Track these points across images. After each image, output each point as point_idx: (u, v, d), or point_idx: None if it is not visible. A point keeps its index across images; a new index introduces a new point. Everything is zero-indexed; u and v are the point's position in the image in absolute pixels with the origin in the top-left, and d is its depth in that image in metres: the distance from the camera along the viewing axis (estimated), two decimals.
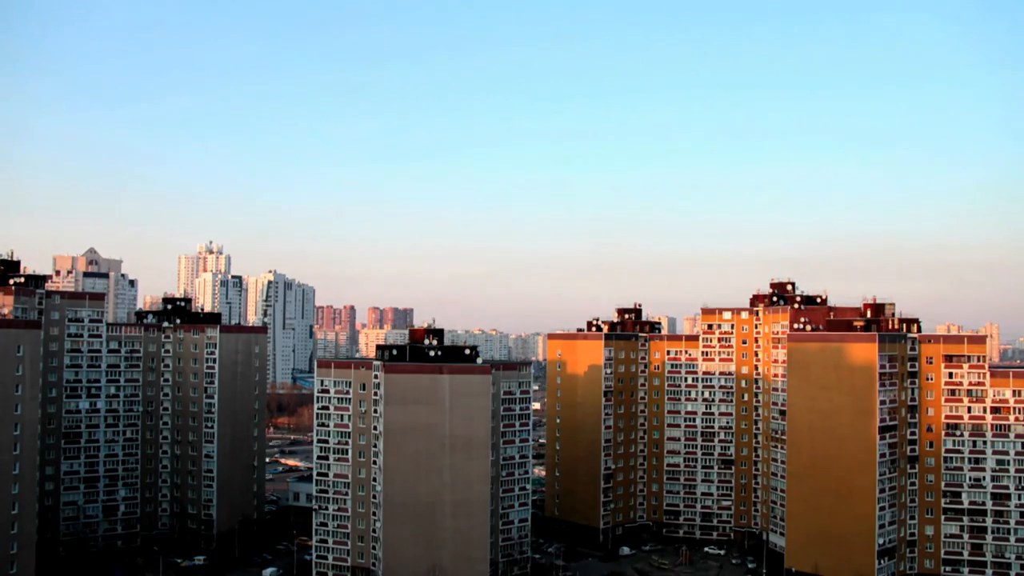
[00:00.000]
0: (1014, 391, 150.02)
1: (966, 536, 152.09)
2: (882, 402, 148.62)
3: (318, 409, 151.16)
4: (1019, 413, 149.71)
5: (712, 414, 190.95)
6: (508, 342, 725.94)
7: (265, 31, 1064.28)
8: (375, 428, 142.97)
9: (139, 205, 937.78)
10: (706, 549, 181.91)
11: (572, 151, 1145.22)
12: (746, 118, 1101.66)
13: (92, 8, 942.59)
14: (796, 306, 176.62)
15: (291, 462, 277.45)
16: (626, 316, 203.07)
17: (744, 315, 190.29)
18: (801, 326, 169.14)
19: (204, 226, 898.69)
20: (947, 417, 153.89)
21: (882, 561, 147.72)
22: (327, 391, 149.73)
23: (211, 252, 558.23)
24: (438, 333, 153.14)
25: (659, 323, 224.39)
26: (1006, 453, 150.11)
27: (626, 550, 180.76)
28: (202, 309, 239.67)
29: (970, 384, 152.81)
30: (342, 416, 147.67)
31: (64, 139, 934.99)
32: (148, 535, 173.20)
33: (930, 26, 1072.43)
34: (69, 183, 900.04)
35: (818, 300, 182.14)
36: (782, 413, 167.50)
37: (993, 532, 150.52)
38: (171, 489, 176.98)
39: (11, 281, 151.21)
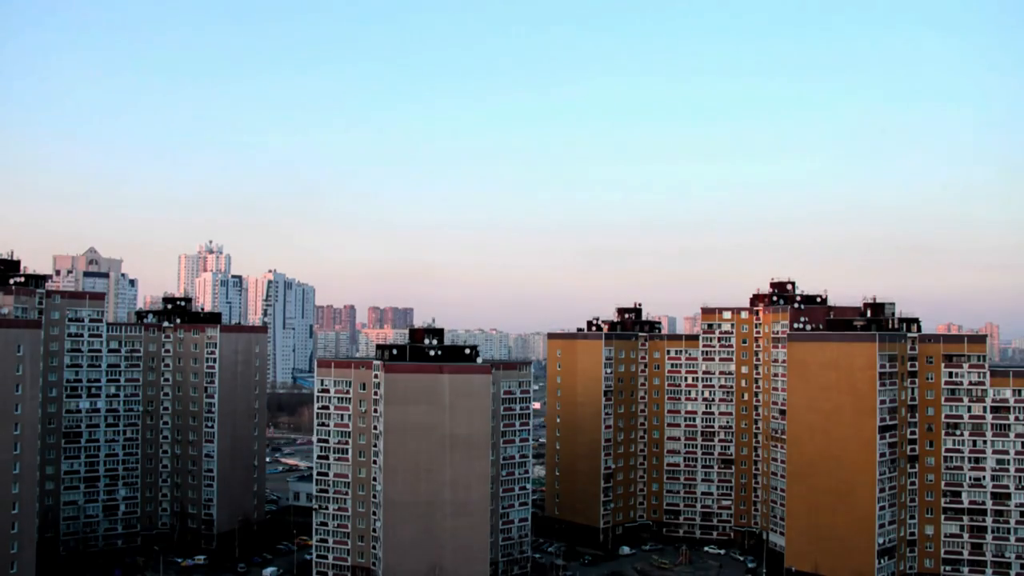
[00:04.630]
0: (1014, 391, 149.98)
1: (966, 536, 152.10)
2: (882, 402, 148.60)
3: (318, 409, 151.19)
4: (1019, 413, 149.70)
5: (712, 414, 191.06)
6: (508, 342, 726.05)
7: (263, 28, 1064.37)
8: (375, 428, 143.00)
9: (139, 205, 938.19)
10: (706, 549, 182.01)
11: (571, 151, 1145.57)
12: (745, 114, 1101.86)
13: (90, 9, 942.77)
14: (796, 305, 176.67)
15: (291, 462, 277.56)
16: (626, 316, 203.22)
17: (744, 315, 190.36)
18: (801, 326, 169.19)
19: (204, 226, 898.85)
20: (947, 417, 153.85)
21: (882, 560, 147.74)
22: (327, 391, 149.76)
23: (211, 252, 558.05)
24: (438, 333, 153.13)
25: (659, 323, 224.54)
26: (1006, 453, 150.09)
27: (626, 550, 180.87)
28: (202, 309, 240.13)
29: (970, 384, 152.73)
30: (342, 416, 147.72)
31: (64, 139, 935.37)
32: (148, 535, 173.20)
33: (932, 20, 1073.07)
34: (69, 183, 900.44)
35: (818, 299, 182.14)
36: (782, 413, 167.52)
37: (993, 532, 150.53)
38: (171, 489, 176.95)
39: (11, 281, 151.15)
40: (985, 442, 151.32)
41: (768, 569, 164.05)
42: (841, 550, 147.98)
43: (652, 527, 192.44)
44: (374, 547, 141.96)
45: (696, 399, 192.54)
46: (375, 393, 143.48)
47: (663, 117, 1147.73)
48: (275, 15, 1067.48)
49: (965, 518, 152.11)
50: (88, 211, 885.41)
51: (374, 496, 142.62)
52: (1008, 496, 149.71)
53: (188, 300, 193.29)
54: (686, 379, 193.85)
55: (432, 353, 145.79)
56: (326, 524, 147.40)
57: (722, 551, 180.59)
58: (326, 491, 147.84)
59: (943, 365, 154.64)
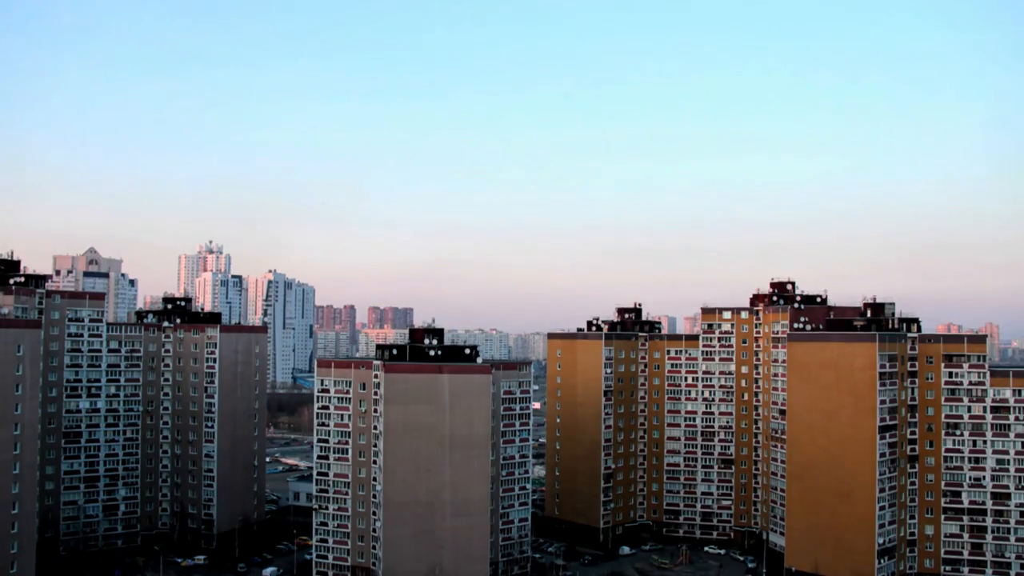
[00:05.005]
0: (1014, 391, 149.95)
1: (966, 536, 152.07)
2: (882, 402, 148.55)
3: (318, 409, 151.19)
4: (1019, 413, 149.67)
5: (712, 414, 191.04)
6: (508, 342, 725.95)
7: (262, 28, 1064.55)
8: (375, 428, 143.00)
9: (139, 205, 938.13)
10: (706, 548, 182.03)
11: (570, 151, 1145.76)
12: (745, 114, 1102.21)
13: (89, 7, 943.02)
14: (796, 306, 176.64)
15: (291, 462, 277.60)
16: (626, 316, 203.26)
17: (744, 315, 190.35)
18: (801, 326, 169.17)
19: (204, 226, 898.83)
20: (947, 417, 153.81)
21: (882, 560, 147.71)
22: (327, 391, 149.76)
23: (211, 252, 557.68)
24: (438, 333, 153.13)
25: (659, 323, 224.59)
26: (1006, 453, 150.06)
27: (626, 550, 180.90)
28: (202, 309, 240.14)
29: (970, 384, 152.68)
30: (342, 416, 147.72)
31: (64, 139, 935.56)
32: (148, 535, 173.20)
33: (935, 17, 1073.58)
34: (69, 183, 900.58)
35: (818, 299, 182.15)
36: (782, 413, 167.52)
37: (993, 532, 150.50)
38: (171, 489, 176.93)
39: (11, 281, 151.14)
40: (985, 442, 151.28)
41: (768, 569, 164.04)
42: (841, 550, 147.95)
43: (652, 527, 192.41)
44: (374, 547, 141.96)
45: (696, 399, 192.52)
46: (375, 393, 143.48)
47: (663, 116, 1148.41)
48: (276, 15, 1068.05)
49: (965, 518, 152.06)
50: (88, 211, 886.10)
51: (374, 496, 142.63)
52: (1008, 496, 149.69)
53: (188, 300, 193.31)
54: (686, 379, 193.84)
55: (432, 353, 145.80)
56: (326, 524, 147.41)
57: (722, 551, 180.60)
58: (326, 491, 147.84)
59: (943, 365, 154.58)
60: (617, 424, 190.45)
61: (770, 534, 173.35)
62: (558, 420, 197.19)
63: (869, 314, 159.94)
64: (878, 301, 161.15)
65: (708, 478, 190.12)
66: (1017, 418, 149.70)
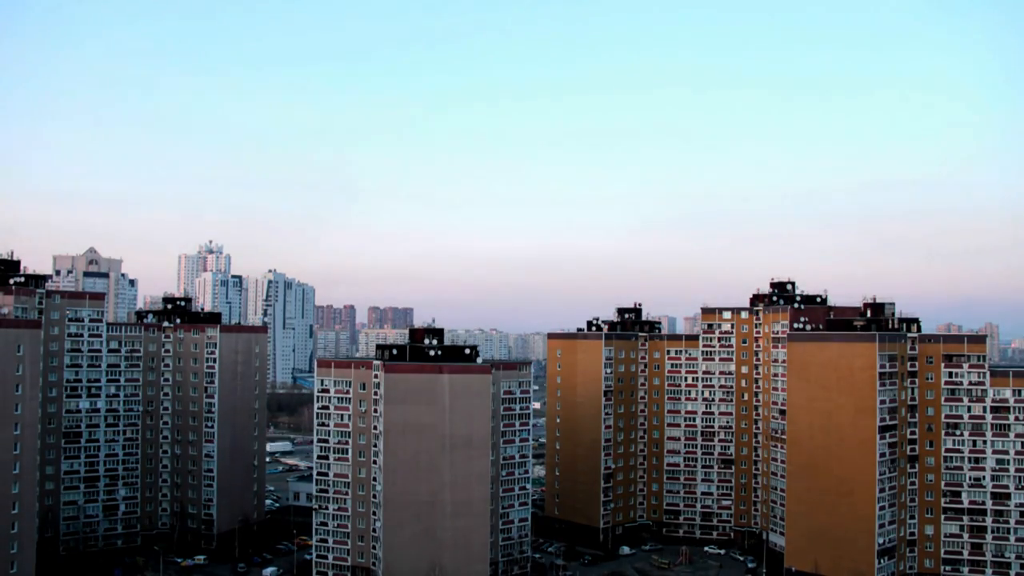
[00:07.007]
0: (1014, 391, 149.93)
1: (966, 536, 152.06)
2: (882, 402, 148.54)
3: (318, 409, 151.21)
4: (1019, 413, 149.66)
5: (712, 414, 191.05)
6: (508, 342, 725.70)
7: (262, 26, 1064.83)
8: (375, 428, 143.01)
9: (139, 205, 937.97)
10: (706, 549, 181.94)
11: (570, 150, 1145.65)
12: (745, 113, 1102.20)
13: (91, 11, 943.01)
14: (796, 306, 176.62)
15: (291, 462, 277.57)
16: (626, 316, 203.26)
17: (744, 315, 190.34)
18: (801, 326, 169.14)
19: (204, 226, 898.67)
20: (947, 417, 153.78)
21: (882, 560, 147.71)
22: (327, 391, 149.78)
23: (211, 252, 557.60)
24: (438, 333, 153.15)
25: (659, 323, 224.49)
26: (1006, 453, 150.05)
27: (626, 550, 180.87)
28: (202, 309, 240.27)
29: (970, 384, 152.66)
30: (342, 416, 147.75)
31: (64, 139, 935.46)
32: (148, 535, 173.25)
33: (936, 12, 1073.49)
34: (69, 183, 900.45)
35: (818, 300, 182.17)
36: (782, 413, 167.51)
37: (993, 532, 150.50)
38: (171, 489, 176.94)
39: (11, 281, 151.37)
40: (985, 442, 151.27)
41: (768, 569, 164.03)
42: (841, 550, 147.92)
43: (652, 527, 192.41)
44: (374, 547, 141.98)
45: (696, 399, 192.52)
46: (375, 393, 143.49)
47: (662, 115, 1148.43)
48: (275, 14, 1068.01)
49: (965, 518, 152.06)
50: (88, 211, 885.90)
51: (374, 496, 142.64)
52: (1008, 496, 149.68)
53: (188, 300, 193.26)
54: (686, 379, 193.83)
55: (432, 353, 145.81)
56: (326, 524, 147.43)
57: (722, 551, 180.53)
58: (326, 491, 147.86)
59: (943, 365, 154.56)
60: (617, 424, 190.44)
61: (770, 534, 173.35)
62: (558, 420, 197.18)
63: (869, 314, 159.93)
64: (878, 301, 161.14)
65: (708, 478, 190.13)
66: (1017, 418, 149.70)
